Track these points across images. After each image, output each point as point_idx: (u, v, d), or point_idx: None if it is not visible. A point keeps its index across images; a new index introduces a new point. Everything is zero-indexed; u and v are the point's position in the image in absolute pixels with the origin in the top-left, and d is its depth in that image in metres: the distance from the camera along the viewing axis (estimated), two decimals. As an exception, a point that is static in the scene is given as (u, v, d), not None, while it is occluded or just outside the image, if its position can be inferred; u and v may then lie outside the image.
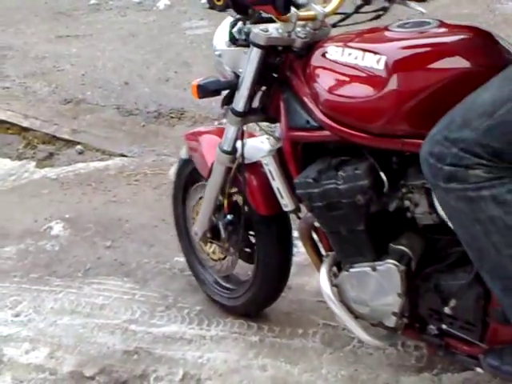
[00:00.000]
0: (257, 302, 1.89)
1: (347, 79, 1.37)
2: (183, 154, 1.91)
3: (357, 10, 1.54)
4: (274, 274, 1.81)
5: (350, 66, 1.35)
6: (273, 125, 1.67)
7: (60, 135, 3.29)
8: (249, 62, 1.50)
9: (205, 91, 1.56)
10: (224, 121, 3.41)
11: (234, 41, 1.54)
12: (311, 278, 2.05)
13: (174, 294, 2.08)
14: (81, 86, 3.73)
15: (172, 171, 1.98)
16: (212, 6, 1.51)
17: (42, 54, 4.15)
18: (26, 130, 3.35)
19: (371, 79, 1.31)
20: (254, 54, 1.49)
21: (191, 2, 5.05)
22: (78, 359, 1.85)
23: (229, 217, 1.76)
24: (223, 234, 1.79)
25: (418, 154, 1.24)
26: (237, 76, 1.57)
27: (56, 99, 3.61)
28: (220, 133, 1.79)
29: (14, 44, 4.34)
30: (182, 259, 2.24)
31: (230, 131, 1.62)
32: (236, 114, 1.57)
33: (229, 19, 1.63)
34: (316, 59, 1.43)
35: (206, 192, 1.76)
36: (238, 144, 1.64)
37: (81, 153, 3.16)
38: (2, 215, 2.67)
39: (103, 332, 1.94)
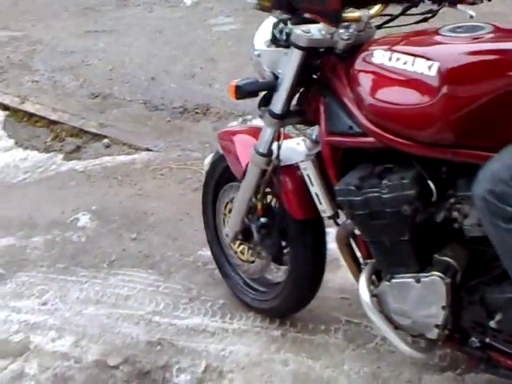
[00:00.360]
0: (287, 306, 1.87)
1: (395, 85, 1.32)
2: (220, 149, 1.89)
3: (403, 12, 1.50)
4: (308, 280, 1.78)
5: (398, 71, 1.30)
6: (310, 128, 1.64)
7: (87, 129, 3.33)
8: (289, 64, 1.47)
9: (243, 92, 1.53)
10: (249, 117, 3.41)
11: (274, 41, 1.51)
12: (334, 275, 2.05)
13: (197, 287, 2.10)
14: (108, 81, 3.77)
15: (207, 161, 1.99)
16: (260, 7, 1.44)
17: (70, 48, 4.20)
18: (54, 123, 3.40)
19: (422, 86, 1.27)
20: (295, 55, 1.46)
21: (218, -2, 5.07)
22: (103, 348, 1.88)
23: (262, 220, 1.73)
24: (256, 236, 1.76)
25: (468, 164, 1.20)
26: (275, 77, 1.54)
27: (84, 93, 3.65)
28: (254, 133, 1.77)
29: (43, 38, 4.40)
30: (205, 253, 2.26)
31: (267, 133, 1.59)
32: (274, 116, 1.54)
33: (270, 19, 1.60)
34: (361, 63, 1.38)
35: (239, 193, 1.74)
36: (274, 146, 1.61)
37: (108, 146, 3.20)
38: (30, 206, 2.72)
39: (127, 322, 1.97)
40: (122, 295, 2.10)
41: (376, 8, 1.47)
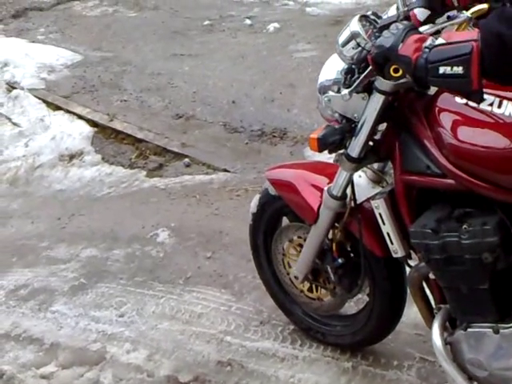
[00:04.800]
0: (366, 341, 1.85)
1: (480, 126, 1.28)
2: (271, 190, 1.85)
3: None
4: (388, 314, 1.77)
5: (483, 112, 1.26)
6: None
7: (170, 148, 3.45)
8: (370, 109, 1.43)
9: (325, 144, 1.49)
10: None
11: (347, 87, 1.46)
12: (409, 310, 1.99)
13: (268, 311, 2.11)
14: (192, 103, 3.89)
15: (254, 203, 1.93)
16: (387, 77, 1.38)
17: (157, 70, 4.38)
18: (139, 141, 3.55)
19: (510, 129, 1.23)
20: (378, 100, 1.41)
21: (300, 25, 5.14)
22: (175, 364, 1.92)
23: (340, 260, 1.71)
24: (333, 277, 1.73)
25: None
26: (347, 120, 1.50)
27: (168, 114, 3.79)
28: (312, 168, 1.75)
29: (132, 60, 4.62)
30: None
31: (342, 177, 1.56)
32: (352, 160, 1.50)
33: (334, 58, 1.57)
34: (443, 101, 1.33)
35: (311, 236, 1.71)
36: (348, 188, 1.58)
37: (188, 166, 3.31)
38: (112, 220, 2.84)
39: (200, 340, 2.01)
40: (196, 313, 2.14)
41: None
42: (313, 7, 5.38)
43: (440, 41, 1.20)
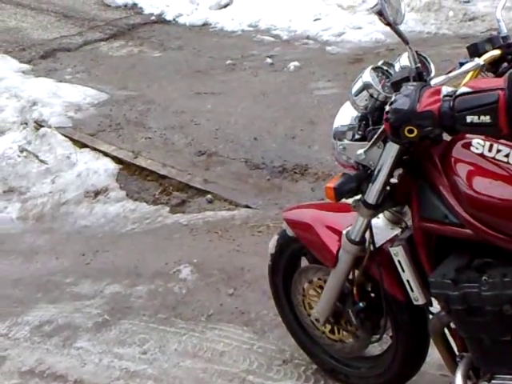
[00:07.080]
0: (390, 382, 1.83)
1: (498, 178, 1.26)
2: (289, 231, 1.84)
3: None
4: (414, 357, 1.75)
5: (500, 163, 1.25)
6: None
7: (193, 184, 3.50)
8: (385, 156, 1.42)
9: (342, 193, 1.47)
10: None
11: (361, 134, 1.48)
12: (433, 350, 1.94)
13: (290, 349, 2.10)
14: (214, 140, 3.96)
15: (272, 243, 1.94)
16: (402, 138, 1.26)
17: (181, 108, 4.48)
18: (163, 177, 3.61)
19: None
20: (393, 149, 1.40)
21: (320, 64, 5.22)
22: (197, 404, 1.91)
23: (361, 304, 1.69)
24: (354, 321, 1.72)
25: None
26: (363, 166, 1.49)
27: (191, 151, 3.86)
28: (330, 208, 1.73)
29: (156, 99, 4.73)
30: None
31: (360, 222, 1.55)
32: (369, 207, 1.49)
33: (348, 104, 1.57)
34: (458, 151, 1.32)
35: (330, 279, 1.70)
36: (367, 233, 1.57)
37: (210, 202, 3.34)
38: (136, 256, 2.87)
39: (222, 379, 2.00)
40: (218, 351, 2.14)
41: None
42: (332, 46, 5.48)
43: (463, 89, 1.20)
